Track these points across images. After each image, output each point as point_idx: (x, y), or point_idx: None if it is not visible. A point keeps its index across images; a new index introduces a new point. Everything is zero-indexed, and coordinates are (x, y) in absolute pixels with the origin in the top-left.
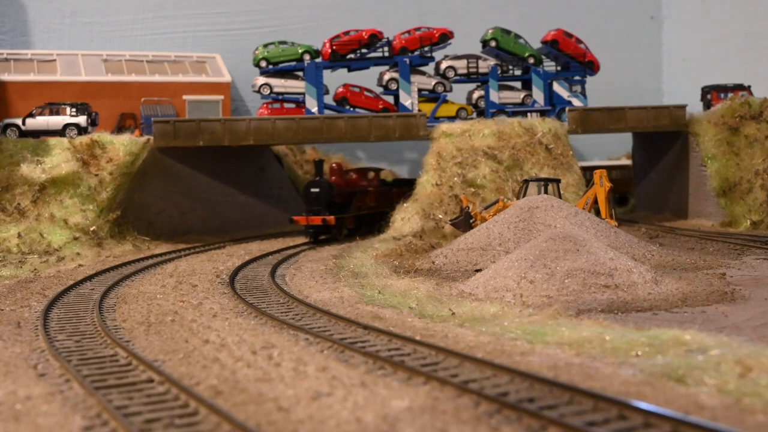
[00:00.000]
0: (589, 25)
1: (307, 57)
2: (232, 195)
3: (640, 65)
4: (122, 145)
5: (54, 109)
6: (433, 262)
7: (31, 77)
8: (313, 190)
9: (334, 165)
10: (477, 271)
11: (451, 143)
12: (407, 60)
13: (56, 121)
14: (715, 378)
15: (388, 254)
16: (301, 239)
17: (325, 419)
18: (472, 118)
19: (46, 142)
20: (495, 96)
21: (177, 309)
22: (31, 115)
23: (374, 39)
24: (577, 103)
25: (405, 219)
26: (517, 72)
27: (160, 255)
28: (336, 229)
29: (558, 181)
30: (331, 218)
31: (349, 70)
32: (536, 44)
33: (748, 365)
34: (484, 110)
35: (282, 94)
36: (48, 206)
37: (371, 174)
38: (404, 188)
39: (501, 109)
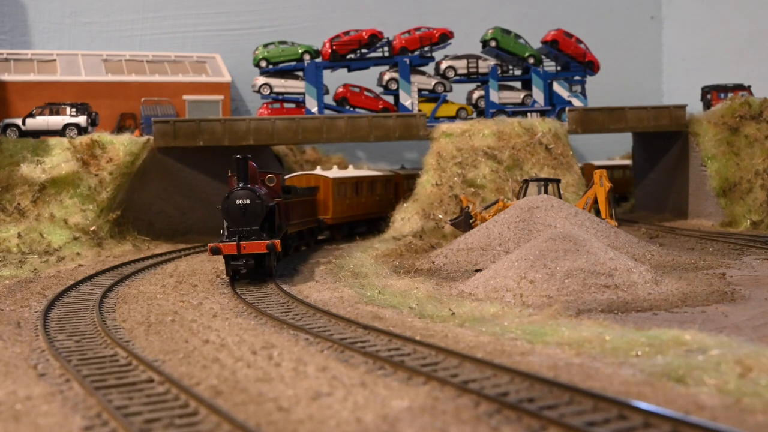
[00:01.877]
0: (589, 25)
1: (307, 57)
2: None
3: (640, 65)
4: (122, 145)
5: (54, 109)
6: (433, 262)
7: (31, 77)
8: (241, 202)
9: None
10: (477, 271)
11: (451, 143)
12: (407, 60)
13: (56, 121)
14: (715, 378)
15: (388, 254)
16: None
17: (325, 419)
18: (472, 118)
19: (46, 142)
20: (495, 96)
21: (177, 309)
22: (31, 115)
23: (374, 39)
24: (577, 103)
25: (405, 219)
26: (517, 72)
27: (160, 255)
28: (272, 259)
29: (558, 181)
30: (278, 242)
31: (349, 70)
32: (536, 44)
33: (748, 365)
34: (484, 110)
35: (282, 94)
36: (48, 206)
37: (272, 179)
38: (304, 198)
39: (501, 109)
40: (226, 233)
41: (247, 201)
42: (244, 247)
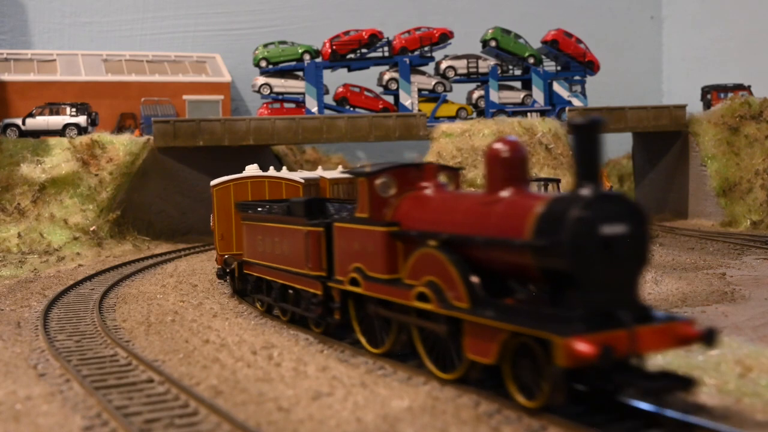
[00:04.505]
0: (589, 25)
1: (307, 57)
2: None
3: (640, 65)
4: (122, 145)
5: (54, 109)
6: None
7: (31, 77)
8: (613, 230)
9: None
10: None
11: (451, 143)
12: (407, 60)
13: (56, 121)
14: (715, 378)
15: None
16: None
17: (325, 419)
18: (472, 118)
19: (46, 142)
20: (495, 96)
21: (177, 309)
22: (31, 115)
23: (374, 39)
24: (577, 103)
25: None
26: (517, 72)
27: (160, 255)
28: None
29: (558, 181)
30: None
31: (349, 70)
32: (536, 44)
33: (748, 365)
34: (484, 110)
35: (282, 94)
36: (48, 206)
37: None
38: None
39: (501, 109)
40: (546, 301)
41: (625, 228)
42: (641, 344)
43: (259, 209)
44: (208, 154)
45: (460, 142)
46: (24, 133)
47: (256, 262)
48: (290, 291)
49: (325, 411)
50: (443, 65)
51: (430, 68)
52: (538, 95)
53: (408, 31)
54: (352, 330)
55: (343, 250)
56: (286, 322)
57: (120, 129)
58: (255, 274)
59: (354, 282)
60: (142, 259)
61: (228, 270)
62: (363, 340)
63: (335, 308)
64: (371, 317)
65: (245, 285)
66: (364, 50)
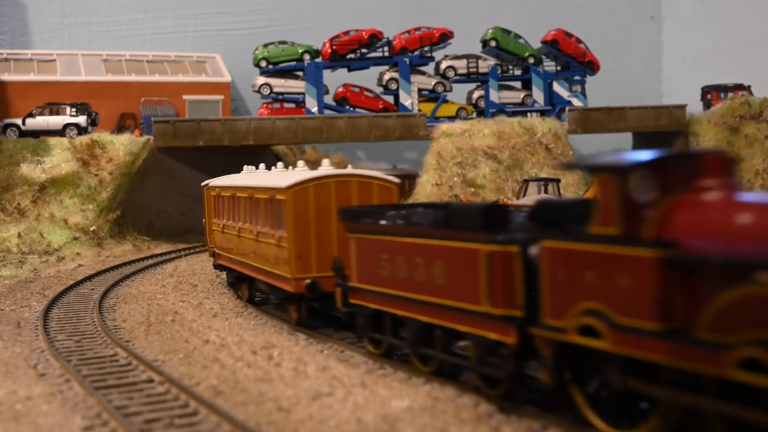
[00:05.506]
0: (589, 25)
1: (307, 57)
2: None
3: (640, 65)
4: (122, 145)
5: (54, 109)
6: None
7: (31, 77)
8: None
9: None
10: None
11: (451, 143)
12: (407, 60)
13: (56, 121)
14: None
15: None
16: None
17: (325, 419)
18: (472, 118)
19: (46, 142)
20: (495, 96)
21: (177, 309)
22: (31, 115)
23: (374, 39)
24: (577, 103)
25: None
26: (517, 72)
27: (160, 255)
28: None
29: (558, 180)
30: None
31: (349, 70)
32: (536, 44)
33: None
34: (484, 110)
35: (282, 94)
36: (48, 206)
37: None
38: None
39: (501, 109)
40: None
41: None
42: None
43: (385, 218)
44: (208, 154)
45: (460, 142)
46: (24, 133)
47: (377, 290)
48: (438, 332)
49: (325, 411)
50: (443, 65)
51: (430, 68)
52: (538, 95)
53: (408, 31)
54: (557, 393)
55: (561, 282)
56: (427, 374)
57: (120, 129)
58: (372, 305)
59: (588, 331)
60: (142, 259)
61: (309, 297)
62: (594, 419)
63: (546, 367)
64: (611, 384)
65: (354, 319)
66: (364, 50)
